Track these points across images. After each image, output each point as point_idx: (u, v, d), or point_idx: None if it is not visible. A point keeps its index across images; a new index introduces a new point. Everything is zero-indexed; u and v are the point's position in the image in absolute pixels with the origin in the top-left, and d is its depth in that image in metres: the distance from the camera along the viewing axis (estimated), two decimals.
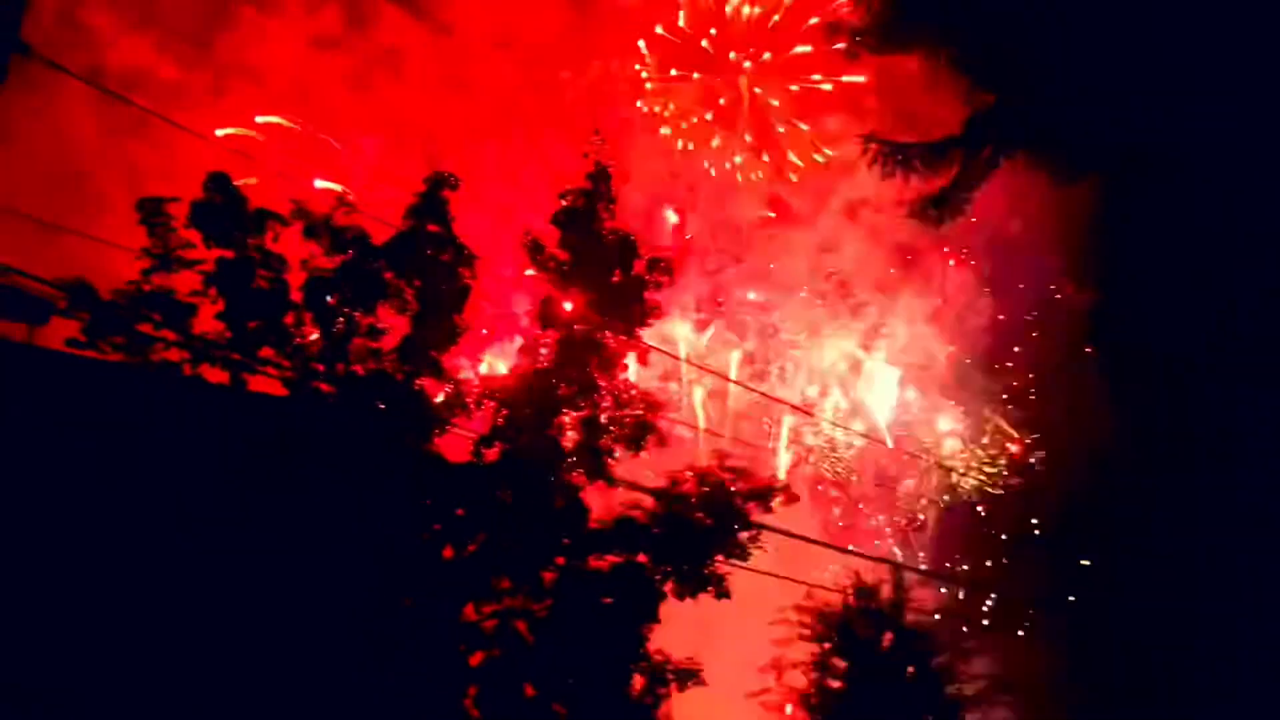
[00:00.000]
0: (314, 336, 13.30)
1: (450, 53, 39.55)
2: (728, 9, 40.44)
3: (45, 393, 11.80)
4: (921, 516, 38.48)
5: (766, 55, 40.50)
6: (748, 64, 40.73)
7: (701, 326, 39.18)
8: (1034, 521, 35.37)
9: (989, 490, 37.35)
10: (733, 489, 15.02)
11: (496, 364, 28.99)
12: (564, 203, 14.96)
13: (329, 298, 13.30)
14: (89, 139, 30.69)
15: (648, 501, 14.91)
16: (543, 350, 14.49)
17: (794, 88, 40.27)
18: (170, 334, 12.57)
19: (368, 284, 13.50)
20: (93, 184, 30.77)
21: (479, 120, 38.81)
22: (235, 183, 13.04)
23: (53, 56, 10.57)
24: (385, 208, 14.12)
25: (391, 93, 38.77)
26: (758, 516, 15.18)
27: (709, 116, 40.88)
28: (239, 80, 36.55)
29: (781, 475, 32.50)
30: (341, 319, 13.36)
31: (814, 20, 38.74)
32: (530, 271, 15.21)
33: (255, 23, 37.31)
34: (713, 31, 40.74)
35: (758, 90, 40.75)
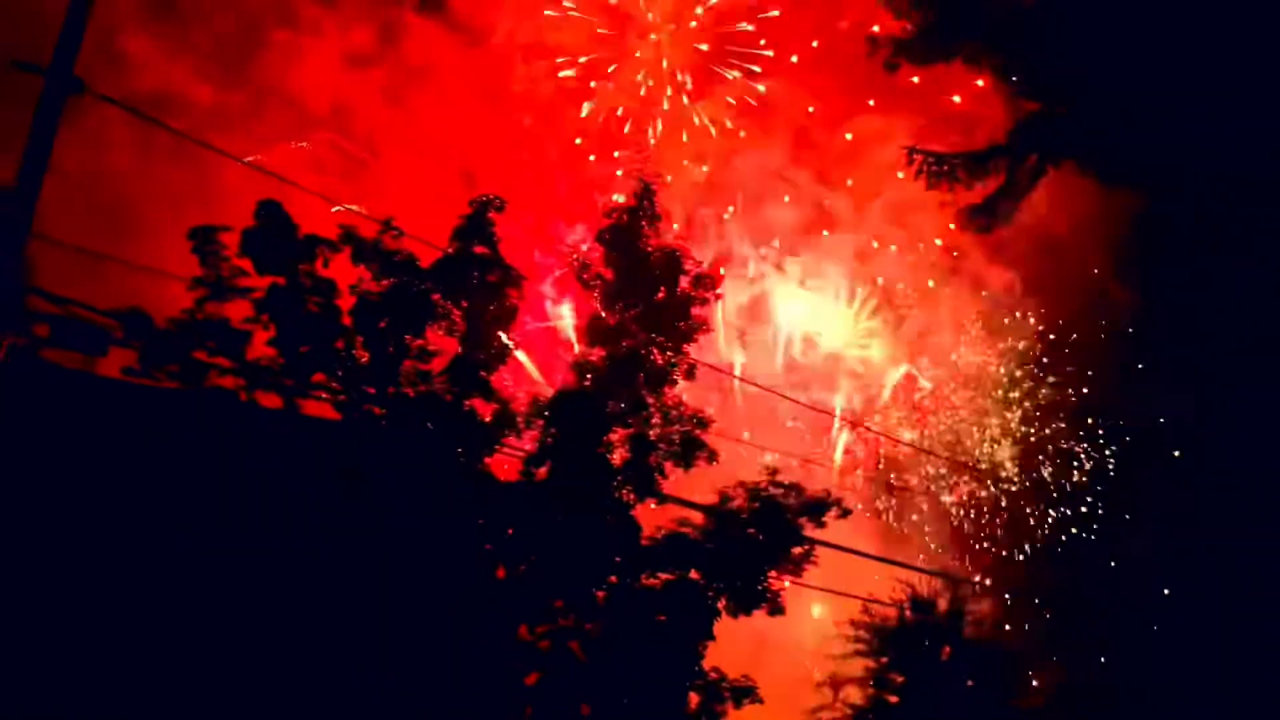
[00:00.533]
0: (364, 360, 13.42)
1: (484, 63, 39.87)
2: None
3: (103, 421, 12.00)
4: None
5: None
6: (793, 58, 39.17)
7: (742, 337, 38.95)
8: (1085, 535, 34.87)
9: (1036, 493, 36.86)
10: (784, 503, 14.92)
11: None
12: (608, 220, 15.00)
13: (378, 321, 13.42)
14: (127, 164, 31.11)
15: (698, 518, 14.87)
16: (587, 377, 14.47)
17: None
18: (224, 361, 12.75)
19: (416, 306, 13.61)
20: (131, 209, 31.24)
21: (513, 130, 39.14)
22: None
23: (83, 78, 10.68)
24: (421, 225, 14.22)
25: (426, 107, 39.15)
26: (810, 531, 15.08)
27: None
28: (274, 101, 37.07)
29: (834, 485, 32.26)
30: (391, 342, 13.47)
31: None
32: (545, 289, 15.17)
33: (289, 43, 37.87)
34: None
35: (810, 109, 39.24)
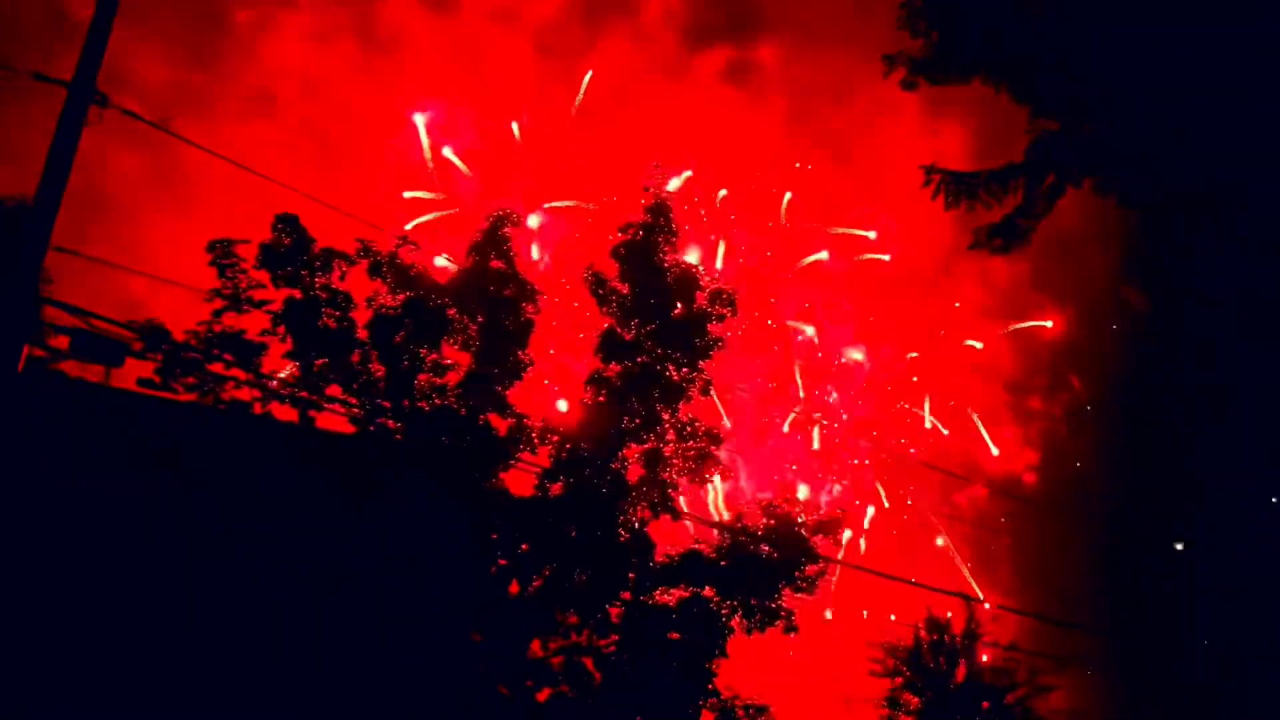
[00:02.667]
0: (379, 373, 13.43)
1: (457, 34, 39.52)
2: None
3: (119, 432, 12.05)
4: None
5: None
6: None
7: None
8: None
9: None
10: (799, 521, 14.81)
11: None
12: (624, 237, 14.96)
13: (394, 335, 13.43)
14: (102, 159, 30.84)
15: (713, 535, 14.79)
16: (600, 398, 14.40)
17: None
18: (240, 373, 12.78)
19: (432, 321, 13.62)
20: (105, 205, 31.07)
21: (489, 107, 38.80)
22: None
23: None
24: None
25: (398, 81, 38.83)
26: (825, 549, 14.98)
27: None
28: (250, 81, 36.82)
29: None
30: (406, 356, 13.47)
31: None
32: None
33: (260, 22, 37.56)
34: None
35: None
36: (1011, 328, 39.39)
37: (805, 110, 39.89)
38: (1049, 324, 39.09)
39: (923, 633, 20.60)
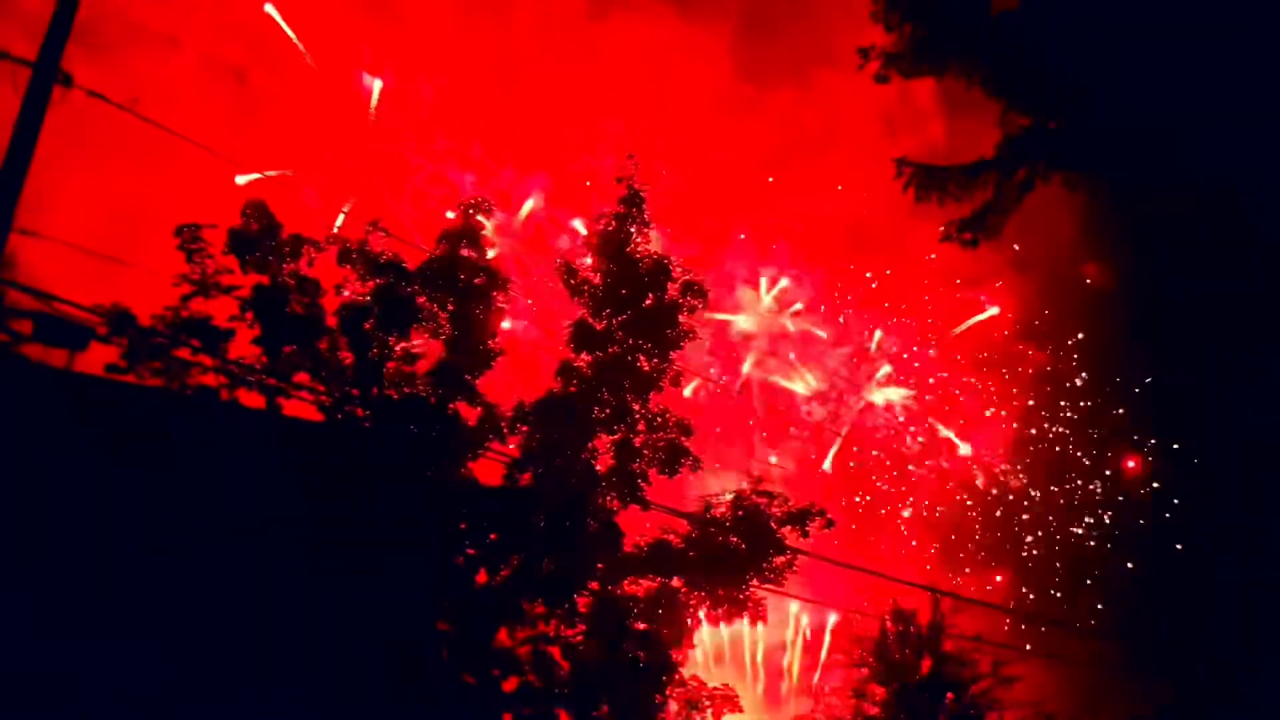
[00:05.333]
0: (348, 361, 13.35)
1: None
2: None
3: (84, 418, 11.91)
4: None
5: None
6: None
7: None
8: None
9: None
10: (768, 512, 14.84)
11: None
12: (597, 226, 14.95)
13: (363, 323, 13.36)
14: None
15: (682, 525, 14.81)
16: (573, 382, 14.38)
17: None
18: (207, 359, 12.67)
19: (401, 308, 13.55)
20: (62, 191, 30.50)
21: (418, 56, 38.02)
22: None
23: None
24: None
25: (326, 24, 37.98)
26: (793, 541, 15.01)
27: None
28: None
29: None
30: (375, 344, 13.40)
31: None
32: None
33: None
34: None
35: None
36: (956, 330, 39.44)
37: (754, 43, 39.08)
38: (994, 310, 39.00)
39: (889, 624, 20.75)
